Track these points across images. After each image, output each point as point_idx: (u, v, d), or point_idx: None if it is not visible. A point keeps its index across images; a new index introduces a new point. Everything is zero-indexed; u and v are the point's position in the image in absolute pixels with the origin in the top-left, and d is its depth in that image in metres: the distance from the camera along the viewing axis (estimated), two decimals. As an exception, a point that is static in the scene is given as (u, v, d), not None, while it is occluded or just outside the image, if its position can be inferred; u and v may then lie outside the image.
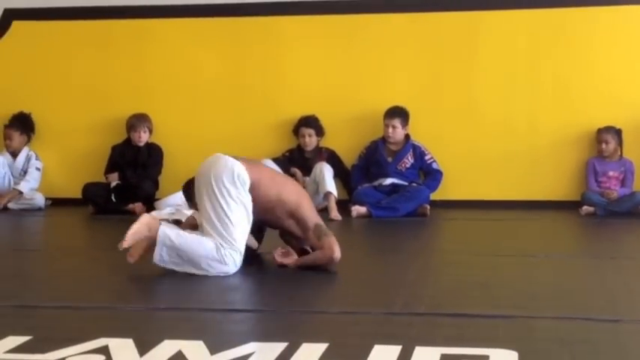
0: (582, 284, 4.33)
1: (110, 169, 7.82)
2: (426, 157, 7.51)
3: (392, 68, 7.76)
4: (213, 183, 4.37)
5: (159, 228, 4.37)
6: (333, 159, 7.62)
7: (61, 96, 8.10)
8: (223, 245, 4.36)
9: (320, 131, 7.70)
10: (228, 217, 4.36)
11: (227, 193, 4.37)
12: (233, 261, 4.39)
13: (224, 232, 4.36)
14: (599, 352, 3.07)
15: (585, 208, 7.19)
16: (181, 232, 4.44)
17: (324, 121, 7.73)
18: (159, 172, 7.87)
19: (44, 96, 8.10)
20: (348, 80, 7.78)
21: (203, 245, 4.37)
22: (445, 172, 7.53)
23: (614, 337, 3.28)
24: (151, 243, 4.40)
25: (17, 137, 7.98)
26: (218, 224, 4.36)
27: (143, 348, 3.06)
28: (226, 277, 4.53)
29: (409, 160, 7.49)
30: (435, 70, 7.74)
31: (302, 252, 4.68)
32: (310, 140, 7.64)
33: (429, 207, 7.23)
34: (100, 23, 8.03)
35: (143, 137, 7.82)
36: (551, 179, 7.63)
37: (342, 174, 7.62)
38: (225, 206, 4.36)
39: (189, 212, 6.86)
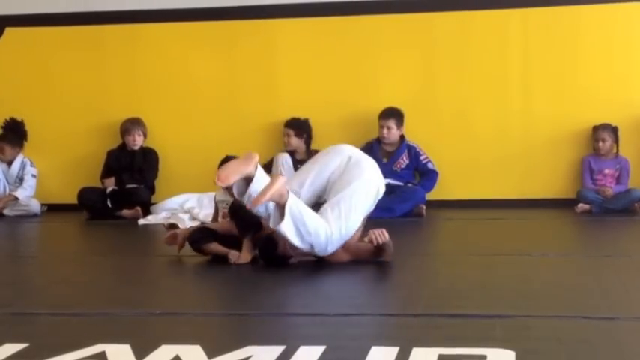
0: (578, 282, 4.33)
1: (106, 174, 7.82)
2: (421, 158, 7.52)
3: (385, 70, 7.76)
4: (369, 187, 4.68)
5: (287, 200, 4.40)
6: None
7: (55, 102, 8.10)
8: (333, 233, 4.53)
9: (302, 133, 7.65)
10: (354, 218, 4.61)
11: (369, 203, 4.71)
12: (331, 248, 4.57)
13: (344, 225, 4.56)
14: (596, 351, 3.07)
15: (581, 206, 7.20)
16: (303, 206, 4.51)
17: (317, 124, 7.72)
18: (155, 176, 7.87)
19: (38, 102, 8.10)
20: (340, 82, 7.78)
21: (320, 227, 4.50)
22: (440, 172, 7.54)
23: (610, 335, 3.28)
24: None
25: (9, 150, 7.98)
26: (344, 216, 4.56)
27: (140, 353, 3.06)
28: (221, 280, 4.53)
29: (404, 160, 7.50)
30: (428, 71, 7.75)
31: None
32: (289, 140, 7.63)
33: (424, 207, 7.23)
34: (93, 29, 8.03)
35: (138, 141, 7.82)
36: (546, 177, 7.64)
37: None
38: (361, 209, 4.62)
39: (184, 216, 6.89)
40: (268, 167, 7.59)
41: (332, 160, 4.78)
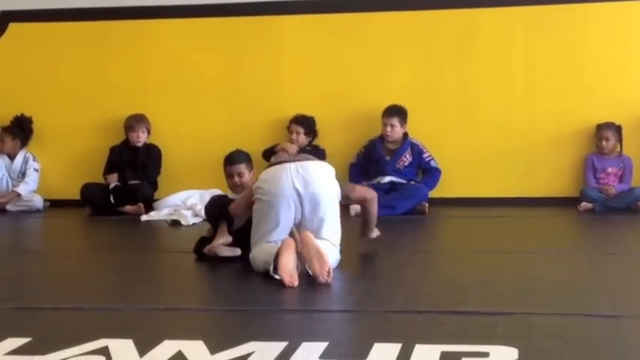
0: (581, 280, 4.33)
1: (109, 170, 7.81)
2: (424, 155, 7.51)
3: (389, 67, 7.75)
4: (335, 198, 4.71)
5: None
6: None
7: (58, 97, 8.09)
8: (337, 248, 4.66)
9: (310, 131, 7.67)
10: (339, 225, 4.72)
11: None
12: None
13: (338, 235, 4.68)
14: (599, 348, 3.07)
15: (584, 205, 7.19)
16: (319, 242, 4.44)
17: (321, 120, 7.72)
18: (158, 172, 7.86)
19: (42, 98, 8.09)
20: (345, 79, 7.78)
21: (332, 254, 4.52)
22: (443, 169, 7.53)
23: (613, 333, 3.28)
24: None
25: (9, 142, 7.97)
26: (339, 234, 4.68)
27: (143, 348, 3.06)
28: (224, 276, 4.54)
29: (407, 158, 7.49)
30: (432, 68, 7.74)
31: None
32: (297, 138, 7.62)
33: (427, 205, 7.23)
34: (97, 24, 8.03)
35: (141, 137, 7.82)
36: (549, 176, 7.63)
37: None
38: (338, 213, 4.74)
39: (187, 213, 6.88)
40: (270, 152, 7.60)
41: (286, 209, 4.57)
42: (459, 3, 7.67)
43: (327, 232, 4.57)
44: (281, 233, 4.55)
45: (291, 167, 4.63)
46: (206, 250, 4.91)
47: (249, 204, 4.76)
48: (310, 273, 4.29)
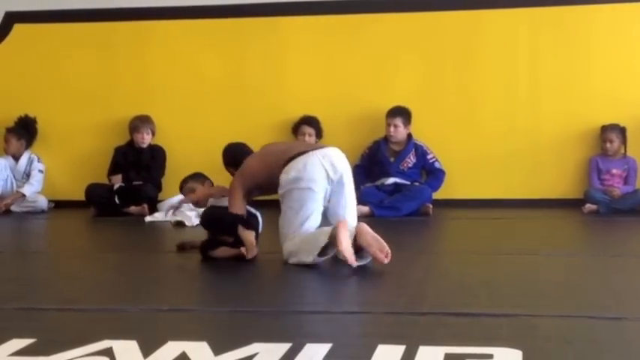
0: (586, 282, 4.32)
1: (113, 170, 7.83)
2: (429, 157, 7.52)
3: (393, 68, 7.76)
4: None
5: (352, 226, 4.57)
6: None
7: (63, 98, 8.11)
8: None
9: (319, 133, 7.70)
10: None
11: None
12: None
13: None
14: (603, 351, 3.06)
15: (588, 206, 7.18)
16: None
17: (325, 121, 7.74)
18: (162, 174, 7.88)
19: (46, 98, 8.12)
20: (349, 80, 7.79)
21: None
22: (447, 171, 7.53)
23: (618, 335, 3.27)
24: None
25: (14, 142, 8.00)
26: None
27: (147, 349, 3.06)
28: (228, 277, 4.54)
29: (411, 159, 7.49)
30: (436, 70, 7.75)
31: None
32: (309, 140, 7.63)
33: (431, 206, 7.23)
34: (102, 25, 8.05)
35: (146, 139, 7.83)
36: (553, 177, 7.63)
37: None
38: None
39: (190, 213, 6.88)
40: None
41: (321, 193, 4.76)
42: (463, 4, 7.68)
43: (349, 218, 4.72)
44: (316, 220, 4.72)
45: (316, 154, 4.84)
46: (243, 250, 4.91)
47: (244, 192, 4.93)
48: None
